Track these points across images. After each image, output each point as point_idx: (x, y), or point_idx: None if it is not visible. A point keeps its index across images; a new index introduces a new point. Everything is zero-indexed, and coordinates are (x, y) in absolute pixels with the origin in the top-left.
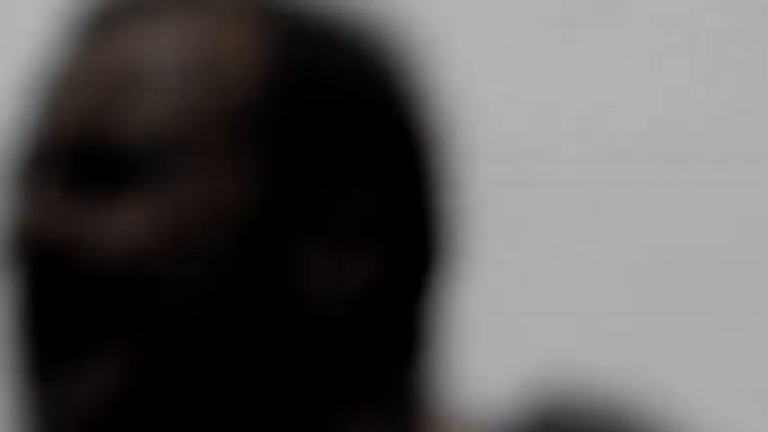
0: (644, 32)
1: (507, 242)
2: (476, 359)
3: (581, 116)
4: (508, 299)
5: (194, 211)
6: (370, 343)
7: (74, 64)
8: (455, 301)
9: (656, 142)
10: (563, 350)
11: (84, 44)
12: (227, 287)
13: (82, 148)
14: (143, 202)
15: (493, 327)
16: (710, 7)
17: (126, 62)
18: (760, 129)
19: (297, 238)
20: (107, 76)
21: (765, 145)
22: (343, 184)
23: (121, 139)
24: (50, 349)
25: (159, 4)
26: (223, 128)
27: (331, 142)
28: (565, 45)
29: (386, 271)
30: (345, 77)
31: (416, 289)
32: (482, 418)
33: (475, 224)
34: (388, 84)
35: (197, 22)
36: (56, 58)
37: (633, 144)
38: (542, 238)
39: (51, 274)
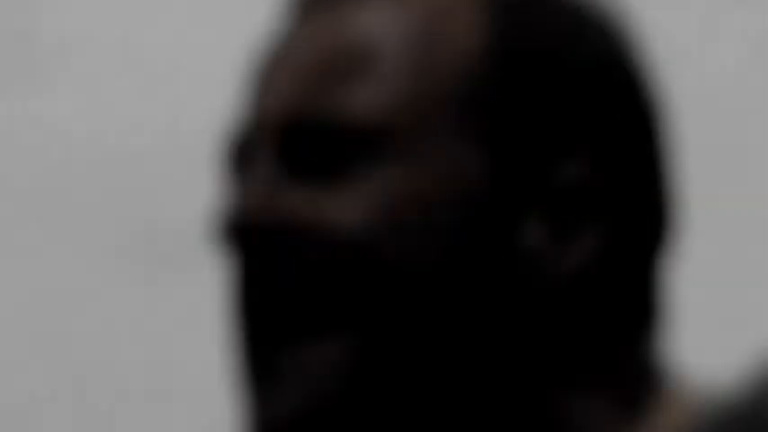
0: None
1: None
2: (692, 331)
3: None
4: (726, 270)
5: (421, 189)
6: (598, 315)
7: (287, 42)
8: (674, 272)
9: None
10: None
11: (297, 23)
12: (457, 265)
13: (296, 125)
14: (368, 181)
15: (710, 300)
16: None
17: (340, 36)
18: None
19: (523, 210)
20: (327, 56)
21: None
22: (566, 151)
23: (344, 118)
24: (270, 335)
25: None
26: (444, 98)
27: (554, 111)
28: None
29: (613, 241)
30: (568, 41)
31: (643, 260)
32: (707, 390)
33: (691, 196)
34: (614, 48)
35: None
36: (273, 40)
37: None
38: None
39: (274, 258)
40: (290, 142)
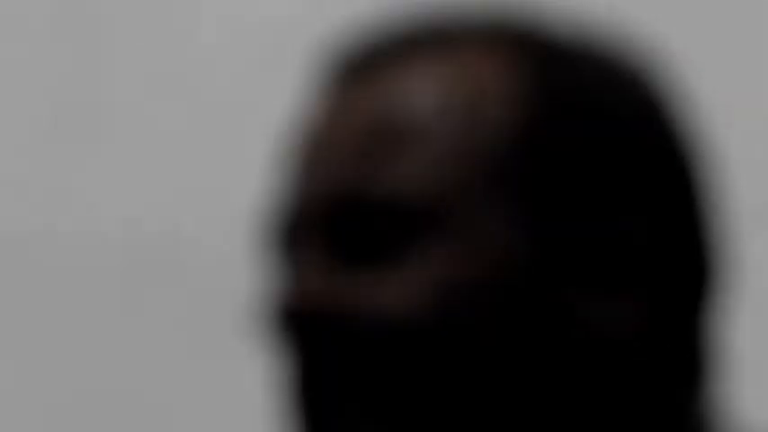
0: None
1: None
2: (744, 383)
3: None
4: None
5: (466, 268)
6: (651, 381)
7: (326, 119)
8: (726, 324)
9: None
10: None
11: (335, 98)
12: (509, 345)
13: (343, 207)
14: (418, 264)
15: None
16: None
17: (381, 113)
18: None
19: (571, 279)
20: (362, 130)
21: None
22: (611, 214)
23: (385, 195)
24: (324, 416)
25: (405, 48)
26: (489, 174)
27: (597, 177)
28: None
29: (660, 309)
30: (607, 103)
31: (690, 319)
32: None
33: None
34: (653, 107)
35: (448, 61)
36: (310, 112)
37: None
38: None
39: (332, 344)
40: (339, 225)
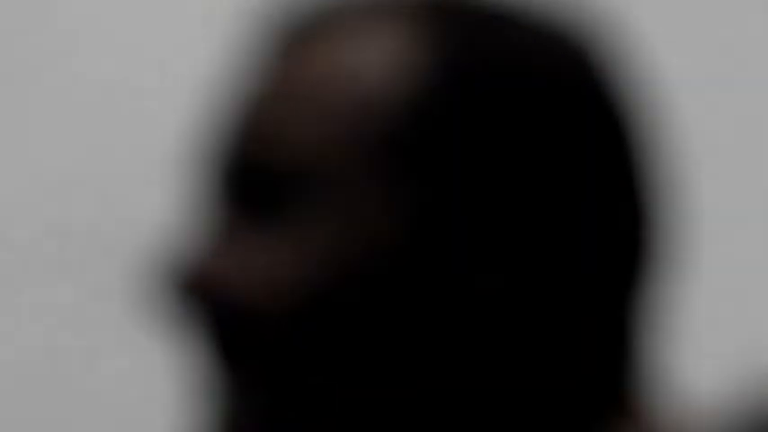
0: None
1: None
2: (687, 353)
3: None
4: (721, 293)
5: (346, 239)
6: (562, 348)
7: (252, 83)
8: (671, 298)
9: None
10: None
11: (262, 64)
12: (381, 317)
13: (246, 169)
14: (298, 229)
15: (706, 321)
16: None
17: (290, 80)
18: None
19: (457, 256)
20: (273, 95)
21: None
22: (509, 187)
23: (277, 159)
24: (213, 386)
25: (329, 18)
26: (374, 142)
27: (497, 144)
28: None
29: (568, 281)
30: (515, 73)
31: (615, 293)
32: (698, 412)
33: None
34: (578, 77)
35: (356, 32)
36: (248, 74)
37: None
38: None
39: (209, 314)
40: (244, 187)
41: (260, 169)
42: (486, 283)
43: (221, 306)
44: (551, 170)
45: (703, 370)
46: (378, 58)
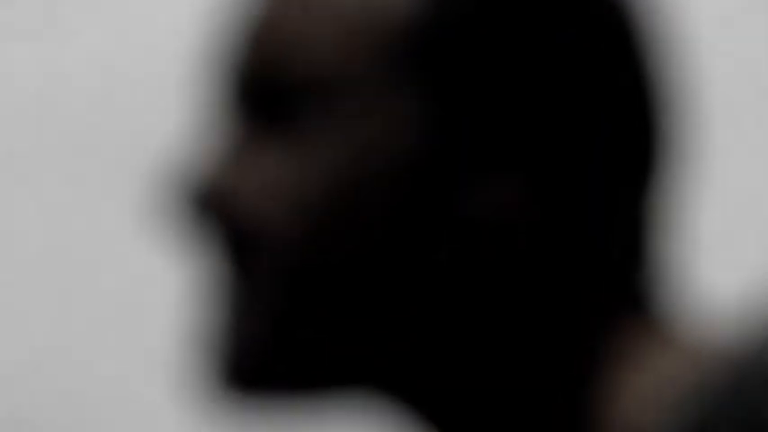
0: None
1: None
2: (705, 262)
3: None
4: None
5: (352, 153)
6: (563, 262)
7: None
8: (685, 205)
9: None
10: None
11: None
12: (389, 229)
13: (258, 79)
14: (304, 140)
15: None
16: None
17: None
18: None
19: (469, 173)
20: (283, 15)
21: None
22: (521, 109)
23: (288, 69)
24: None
25: None
26: (386, 58)
27: (505, 53)
28: None
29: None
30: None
31: (627, 198)
32: (713, 323)
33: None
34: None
35: None
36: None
37: None
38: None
39: (216, 225)
40: (255, 97)
41: (272, 79)
42: (504, 187)
43: (232, 218)
44: (566, 73)
45: (721, 279)
46: None
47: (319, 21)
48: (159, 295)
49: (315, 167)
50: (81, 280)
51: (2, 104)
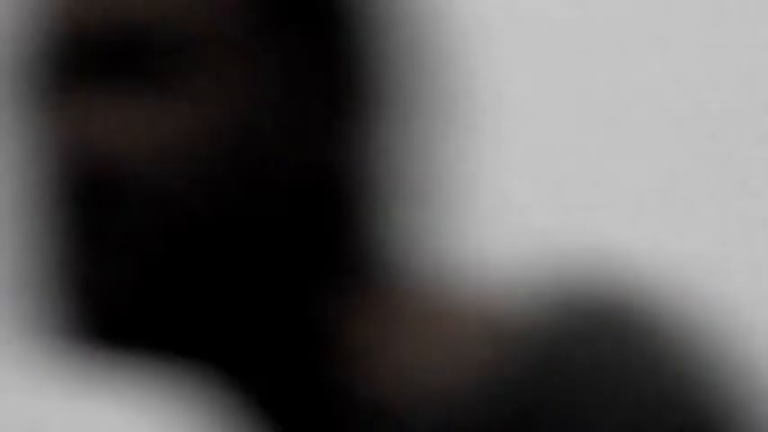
0: None
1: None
2: (477, 227)
3: None
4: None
5: (225, 104)
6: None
7: None
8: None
9: None
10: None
11: None
12: (230, 188)
13: (104, 32)
14: (168, 99)
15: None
16: None
17: None
18: None
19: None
20: None
21: None
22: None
23: (144, 20)
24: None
25: None
26: (238, 17)
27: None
28: None
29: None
30: None
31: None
32: (486, 293)
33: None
34: None
35: None
36: None
37: None
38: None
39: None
40: (97, 50)
41: (128, 33)
42: None
43: (103, 166)
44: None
45: (509, 245)
46: None
47: None
48: None
49: (190, 119)
50: None
51: None
